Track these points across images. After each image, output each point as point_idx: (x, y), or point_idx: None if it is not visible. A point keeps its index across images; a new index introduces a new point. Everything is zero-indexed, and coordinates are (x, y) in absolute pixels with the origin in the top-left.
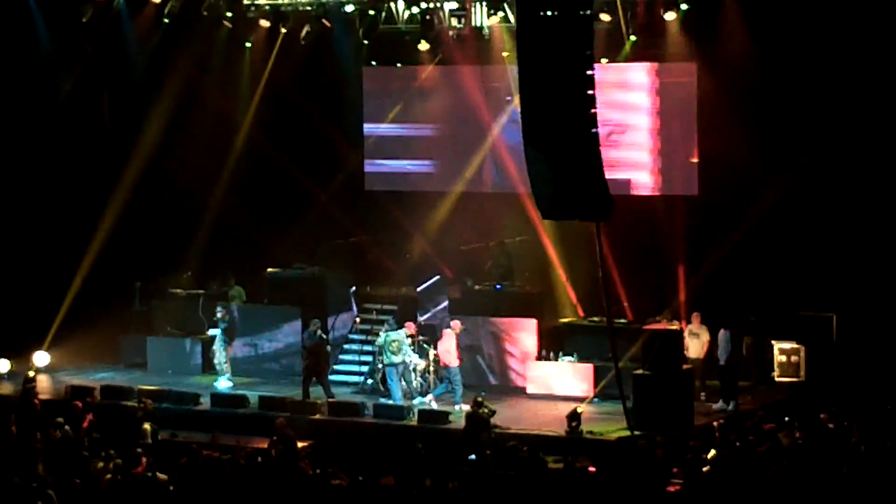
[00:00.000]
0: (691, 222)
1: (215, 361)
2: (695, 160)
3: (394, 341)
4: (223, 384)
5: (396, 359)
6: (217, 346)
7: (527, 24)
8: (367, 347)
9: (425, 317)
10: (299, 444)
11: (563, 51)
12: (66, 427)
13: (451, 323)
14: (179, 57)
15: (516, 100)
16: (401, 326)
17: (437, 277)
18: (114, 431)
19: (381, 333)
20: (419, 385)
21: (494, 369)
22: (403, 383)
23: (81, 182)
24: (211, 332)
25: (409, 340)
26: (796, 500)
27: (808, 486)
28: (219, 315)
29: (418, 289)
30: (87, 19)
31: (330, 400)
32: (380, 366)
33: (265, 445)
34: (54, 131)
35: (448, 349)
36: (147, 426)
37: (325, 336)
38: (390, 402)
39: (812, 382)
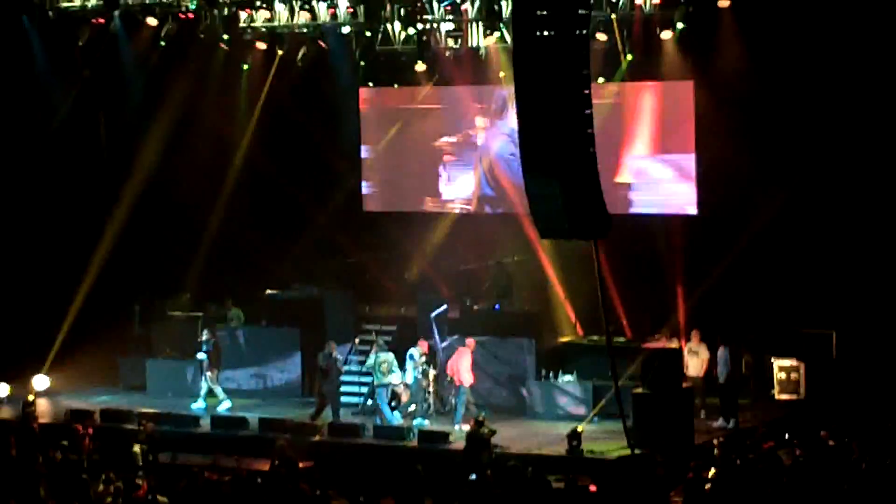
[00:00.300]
0: (690, 240)
1: (200, 384)
2: (692, 178)
3: (384, 362)
4: (198, 405)
5: (386, 380)
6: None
7: (523, 43)
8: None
9: (444, 343)
10: (300, 466)
11: (559, 70)
12: (67, 450)
13: (467, 341)
14: (176, 79)
15: (513, 118)
16: (391, 348)
17: (446, 306)
18: (111, 454)
19: (370, 354)
20: (423, 407)
21: (495, 389)
22: (413, 405)
23: (79, 204)
24: (198, 356)
25: (423, 359)
26: None
27: (809, 503)
28: (204, 338)
29: (432, 315)
30: (83, 42)
31: (330, 422)
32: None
33: (265, 467)
34: (51, 153)
35: (464, 367)
36: (137, 448)
37: (338, 357)
38: (393, 423)
39: (812, 399)
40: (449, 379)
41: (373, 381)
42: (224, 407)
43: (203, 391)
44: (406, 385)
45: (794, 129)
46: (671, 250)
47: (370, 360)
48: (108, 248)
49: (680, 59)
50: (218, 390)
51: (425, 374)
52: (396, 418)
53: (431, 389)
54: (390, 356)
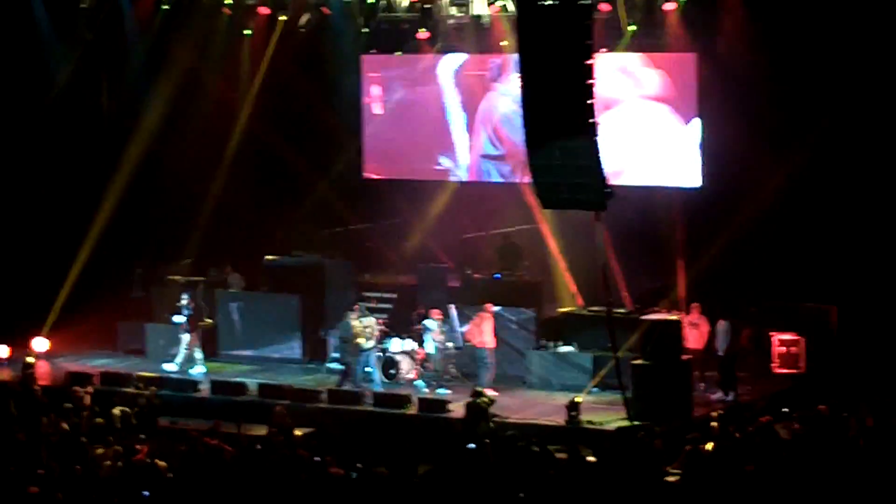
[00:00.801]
0: (691, 213)
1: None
2: (695, 151)
3: (367, 326)
4: (170, 367)
5: (369, 344)
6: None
7: (526, 13)
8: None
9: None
10: (298, 433)
11: (562, 40)
12: (68, 413)
13: (486, 306)
14: (178, 44)
15: (514, 84)
16: (391, 316)
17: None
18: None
19: (352, 319)
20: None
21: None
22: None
23: (80, 168)
24: (175, 318)
25: (436, 326)
26: (795, 492)
27: (807, 477)
28: (183, 302)
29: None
30: (86, 5)
31: (330, 388)
32: (379, 354)
33: (264, 433)
34: (53, 117)
35: (487, 331)
36: (116, 411)
37: (359, 325)
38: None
39: (812, 374)
40: (467, 345)
41: (358, 345)
42: (198, 371)
43: (180, 357)
44: (414, 354)
45: (798, 102)
46: (672, 222)
47: (355, 325)
48: (109, 212)
49: (683, 31)
50: (197, 354)
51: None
52: (381, 384)
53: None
54: (372, 320)
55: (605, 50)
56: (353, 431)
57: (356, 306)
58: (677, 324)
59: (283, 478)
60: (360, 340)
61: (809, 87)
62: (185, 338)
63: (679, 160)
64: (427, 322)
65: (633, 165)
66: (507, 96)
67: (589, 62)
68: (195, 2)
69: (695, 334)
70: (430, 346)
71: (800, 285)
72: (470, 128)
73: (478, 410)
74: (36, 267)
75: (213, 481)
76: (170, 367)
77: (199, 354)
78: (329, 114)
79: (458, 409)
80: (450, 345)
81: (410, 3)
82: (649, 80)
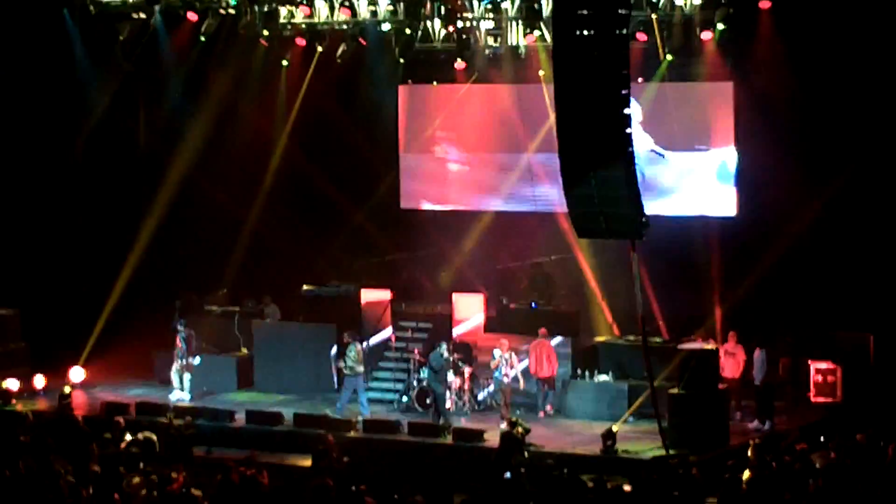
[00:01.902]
0: (727, 241)
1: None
2: (732, 180)
3: (359, 352)
4: (177, 395)
5: (359, 368)
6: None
7: (563, 42)
8: (402, 365)
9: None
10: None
11: (599, 70)
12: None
13: (540, 332)
14: (216, 75)
15: (552, 118)
16: (427, 346)
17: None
18: (146, 447)
19: (350, 347)
20: (456, 405)
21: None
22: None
23: (118, 198)
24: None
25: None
26: None
27: None
28: (179, 327)
29: None
30: (124, 37)
31: (364, 418)
32: (415, 383)
33: (301, 463)
34: (91, 148)
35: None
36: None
37: (450, 358)
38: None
39: (849, 403)
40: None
41: (350, 370)
42: (177, 397)
43: (187, 384)
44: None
45: (834, 131)
46: (708, 252)
47: (351, 353)
48: (146, 242)
49: (720, 60)
50: (186, 380)
51: (461, 371)
52: (367, 410)
53: (467, 387)
54: (361, 346)
55: (641, 80)
56: (389, 461)
57: (393, 336)
58: (714, 353)
59: None
60: (360, 367)
61: (844, 115)
62: (176, 364)
63: (715, 189)
64: (495, 352)
65: (670, 194)
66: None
67: (625, 92)
68: (233, 33)
69: (731, 363)
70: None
71: (836, 314)
72: (507, 160)
73: (513, 440)
74: (73, 297)
75: None
76: (181, 396)
77: (187, 379)
78: (365, 144)
79: (493, 438)
80: (467, 372)
81: (447, 33)
82: (686, 110)
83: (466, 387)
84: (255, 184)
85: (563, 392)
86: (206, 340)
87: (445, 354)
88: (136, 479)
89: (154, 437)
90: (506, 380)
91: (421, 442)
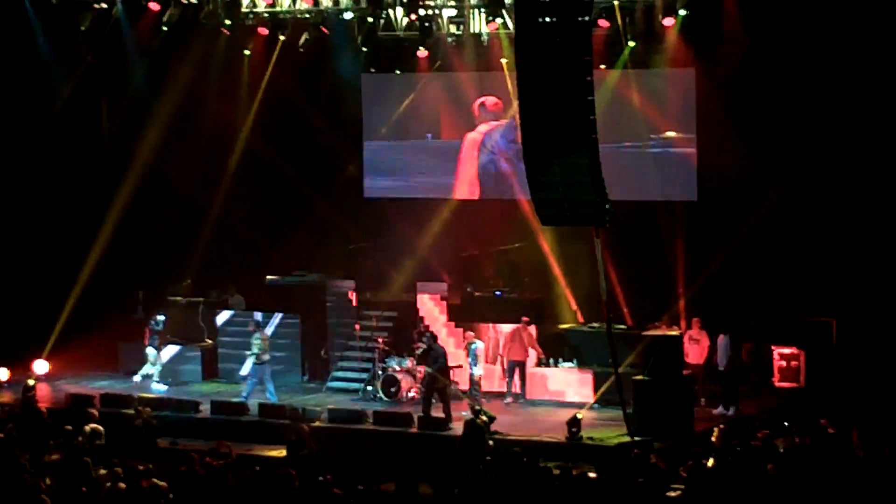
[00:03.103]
0: (691, 228)
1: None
2: (694, 165)
3: (265, 339)
4: (159, 386)
5: (266, 356)
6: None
7: (525, 30)
8: (367, 355)
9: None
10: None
11: (561, 57)
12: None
13: (523, 318)
14: (178, 64)
15: (515, 106)
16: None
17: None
18: (111, 439)
19: (254, 334)
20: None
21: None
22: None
23: (81, 189)
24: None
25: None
26: None
27: (807, 491)
28: (160, 317)
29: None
30: (85, 27)
31: (329, 407)
32: (380, 372)
33: (266, 453)
34: (53, 139)
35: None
36: (87, 428)
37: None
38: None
39: (812, 387)
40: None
41: (256, 358)
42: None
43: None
44: (415, 372)
45: (796, 117)
46: (672, 237)
47: (257, 341)
48: (109, 233)
49: (682, 47)
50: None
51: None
52: (275, 398)
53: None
54: (265, 333)
55: (604, 66)
56: (354, 450)
57: (357, 326)
58: (678, 339)
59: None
60: (266, 356)
61: (807, 101)
62: (153, 353)
63: (677, 175)
64: (478, 343)
65: (632, 181)
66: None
67: (588, 78)
68: (195, 23)
69: (695, 349)
70: (481, 368)
71: (799, 299)
72: (469, 147)
73: (476, 428)
74: (36, 289)
75: (215, 502)
76: (159, 387)
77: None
78: (329, 133)
79: (459, 426)
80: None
81: (409, 21)
82: (649, 96)
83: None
84: (219, 173)
85: (527, 379)
86: (170, 332)
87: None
88: (103, 471)
89: (101, 429)
90: (478, 373)
91: (386, 431)
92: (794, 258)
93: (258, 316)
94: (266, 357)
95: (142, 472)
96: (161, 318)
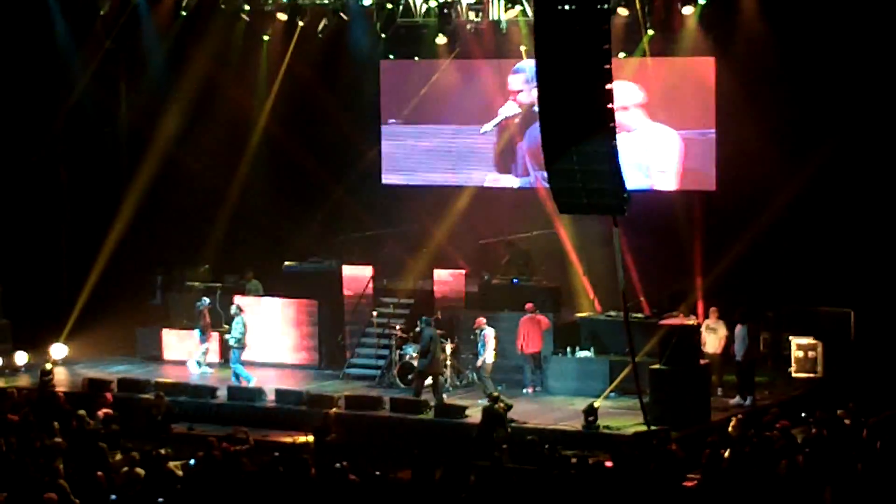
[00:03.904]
0: (709, 217)
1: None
2: (713, 155)
3: (247, 324)
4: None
5: (246, 341)
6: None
7: (544, 18)
8: (385, 342)
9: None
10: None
11: (580, 45)
12: (87, 419)
13: (527, 306)
14: (197, 50)
15: (534, 94)
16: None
17: None
18: (128, 423)
19: (237, 319)
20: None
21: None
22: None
23: (99, 175)
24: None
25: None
26: (811, 496)
27: (824, 482)
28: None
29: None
30: (104, 12)
31: (347, 394)
32: (397, 359)
33: (282, 439)
34: (71, 124)
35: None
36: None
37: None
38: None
39: (829, 378)
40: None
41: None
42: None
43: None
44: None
45: (816, 106)
46: (690, 227)
47: (239, 326)
48: (127, 218)
49: (701, 35)
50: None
51: (443, 348)
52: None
53: (449, 363)
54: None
55: (623, 54)
56: (371, 437)
57: (374, 313)
58: (695, 328)
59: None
60: (246, 340)
61: (826, 90)
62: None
63: (696, 165)
64: (487, 330)
65: (651, 170)
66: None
67: (607, 66)
68: (214, 9)
69: (713, 339)
70: (490, 355)
71: (817, 289)
72: (488, 135)
73: (495, 416)
74: (54, 273)
75: (231, 487)
76: (195, 370)
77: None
78: (347, 119)
79: (475, 414)
80: (449, 348)
81: (428, 8)
82: (668, 85)
83: (449, 362)
84: (237, 159)
85: (544, 368)
86: (186, 317)
87: (427, 331)
88: (119, 456)
89: (115, 414)
90: (490, 359)
91: (402, 418)
92: (813, 248)
93: (238, 300)
94: (246, 342)
95: (159, 456)
96: (202, 303)
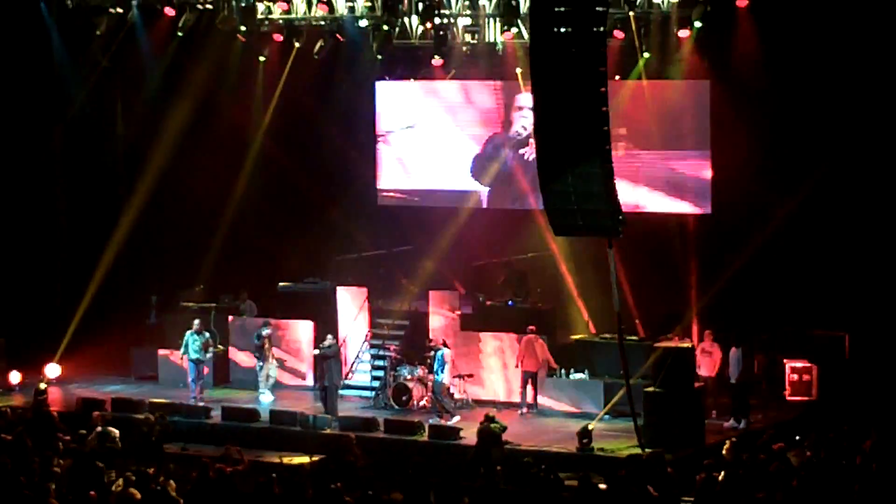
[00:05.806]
0: (704, 240)
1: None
2: (708, 177)
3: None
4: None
5: (209, 355)
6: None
7: (540, 40)
8: (379, 363)
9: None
10: (309, 460)
11: (576, 67)
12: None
13: (529, 328)
14: (193, 70)
15: (530, 116)
16: (404, 342)
17: None
18: (123, 443)
19: (197, 335)
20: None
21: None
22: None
23: (95, 193)
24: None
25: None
26: None
27: None
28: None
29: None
30: (101, 32)
31: (341, 415)
32: (391, 381)
33: (276, 460)
34: (68, 143)
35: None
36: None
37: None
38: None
39: (824, 401)
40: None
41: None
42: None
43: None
44: (426, 381)
45: (810, 129)
46: (685, 249)
47: (197, 341)
48: (122, 238)
49: (697, 58)
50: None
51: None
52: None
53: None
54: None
55: (618, 77)
56: (366, 458)
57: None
58: (690, 351)
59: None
60: (201, 353)
61: (821, 113)
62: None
63: (691, 187)
64: (445, 350)
65: (646, 192)
66: (521, 131)
67: (603, 89)
68: (210, 28)
69: (707, 361)
70: (447, 376)
71: (812, 313)
72: (484, 156)
73: (491, 436)
74: (49, 292)
75: None
76: (264, 399)
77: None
78: (343, 140)
79: (470, 435)
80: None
81: (424, 30)
82: (663, 107)
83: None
84: (232, 179)
85: (539, 389)
86: (181, 337)
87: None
88: (114, 475)
89: (115, 432)
90: (447, 380)
91: (397, 439)
92: (808, 271)
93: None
94: (205, 357)
95: (152, 476)
96: (263, 332)
